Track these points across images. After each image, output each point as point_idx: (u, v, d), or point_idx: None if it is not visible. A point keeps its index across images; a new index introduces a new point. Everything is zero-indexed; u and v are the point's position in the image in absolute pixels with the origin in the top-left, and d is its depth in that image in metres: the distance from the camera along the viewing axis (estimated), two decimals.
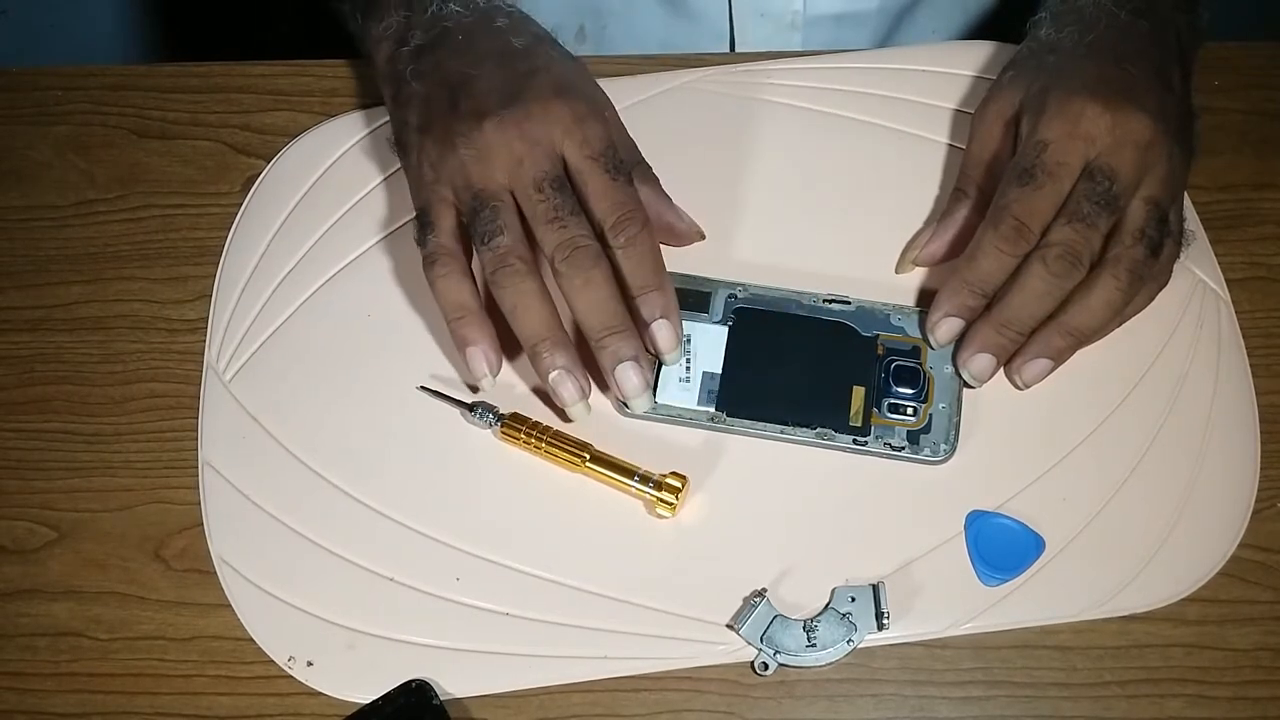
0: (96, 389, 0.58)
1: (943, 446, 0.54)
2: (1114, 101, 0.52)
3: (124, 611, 0.53)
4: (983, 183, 0.57)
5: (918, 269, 0.59)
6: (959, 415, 0.54)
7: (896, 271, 0.59)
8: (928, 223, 0.60)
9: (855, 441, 0.54)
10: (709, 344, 0.56)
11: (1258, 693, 0.51)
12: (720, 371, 0.56)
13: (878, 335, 0.56)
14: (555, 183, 0.51)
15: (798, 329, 0.56)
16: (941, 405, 0.55)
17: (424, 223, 0.54)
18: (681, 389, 0.55)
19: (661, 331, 0.53)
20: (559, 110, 0.51)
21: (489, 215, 0.51)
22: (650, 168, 0.58)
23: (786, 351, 0.56)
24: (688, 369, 0.56)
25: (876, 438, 0.54)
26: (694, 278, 0.58)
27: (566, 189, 0.51)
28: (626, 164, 0.53)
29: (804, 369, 0.56)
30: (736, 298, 0.57)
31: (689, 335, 0.56)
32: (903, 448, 0.54)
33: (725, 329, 0.57)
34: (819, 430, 0.54)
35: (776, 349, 0.56)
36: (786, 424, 0.54)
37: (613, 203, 0.51)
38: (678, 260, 0.59)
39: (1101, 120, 0.52)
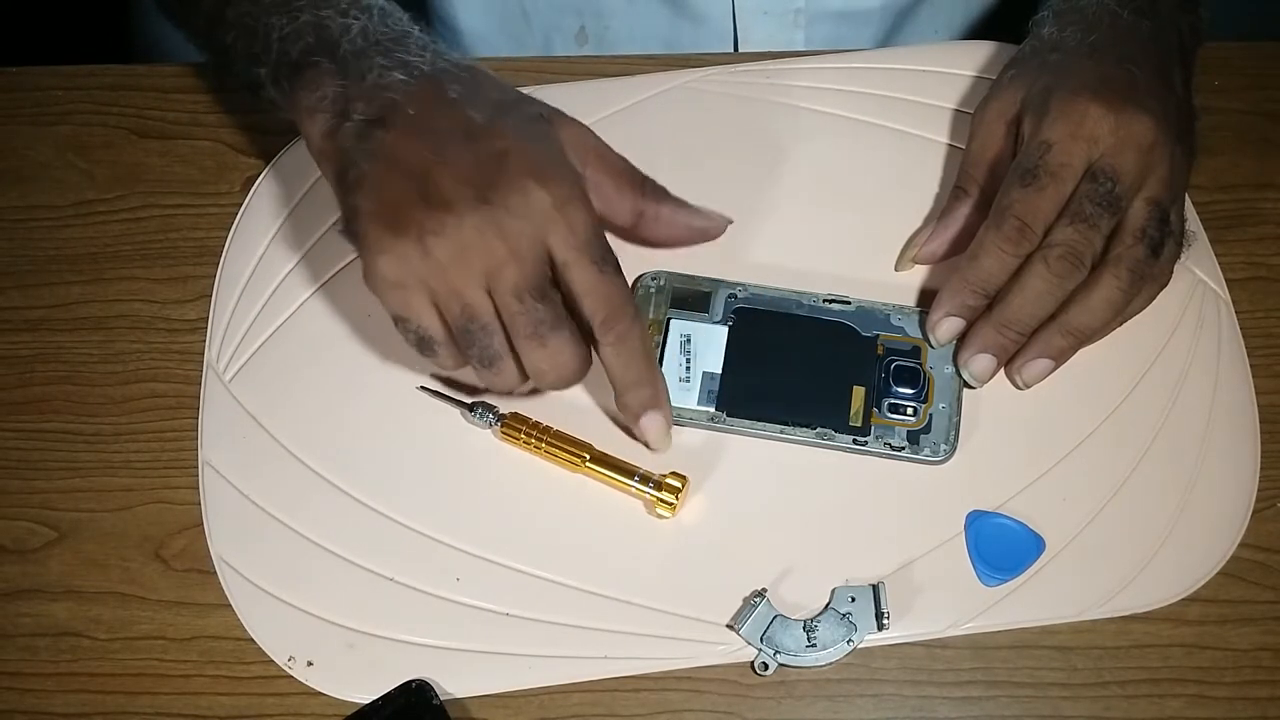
0: (96, 389, 0.58)
1: (943, 446, 0.54)
2: (1117, 102, 0.52)
3: (124, 611, 0.53)
4: (984, 182, 0.57)
5: (917, 267, 0.59)
6: (959, 415, 0.54)
7: (896, 269, 0.59)
8: (927, 221, 0.60)
9: (855, 441, 0.54)
10: (709, 344, 0.56)
11: (1258, 693, 0.51)
12: (720, 371, 0.56)
13: (878, 335, 0.56)
14: (536, 292, 0.48)
15: (798, 329, 0.56)
16: (941, 405, 0.54)
17: (420, 335, 0.49)
18: (681, 389, 0.55)
19: (651, 423, 0.52)
20: (539, 200, 0.47)
21: (483, 338, 0.48)
22: (653, 181, 0.56)
23: (786, 351, 0.56)
24: (688, 369, 0.56)
25: (876, 438, 0.54)
26: (694, 278, 0.58)
27: (549, 296, 0.48)
28: (610, 255, 0.49)
29: (804, 369, 0.56)
30: (736, 297, 0.57)
31: (689, 335, 0.56)
32: (903, 448, 0.54)
33: (725, 329, 0.57)
34: (819, 430, 0.54)
35: (776, 349, 0.56)
36: (786, 424, 0.54)
37: (600, 298, 0.49)
38: (677, 259, 0.59)
39: (1105, 121, 0.52)
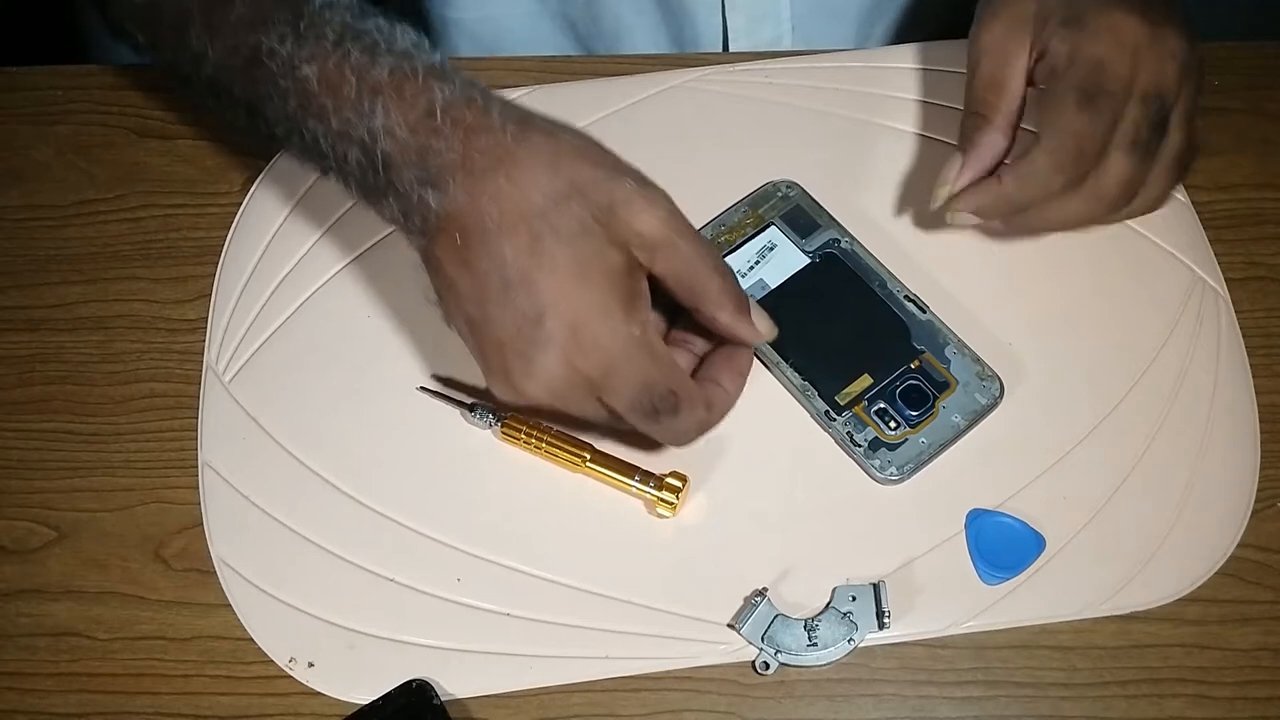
0: (96, 389, 0.58)
1: (894, 470, 0.53)
2: (1150, 13, 0.52)
3: (124, 611, 0.53)
4: (1003, 105, 0.54)
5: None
6: (931, 459, 0.54)
7: (931, 208, 0.55)
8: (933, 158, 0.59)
9: (826, 414, 0.54)
10: (784, 263, 0.58)
11: (1258, 693, 0.51)
12: (773, 288, 0.57)
13: (924, 352, 0.56)
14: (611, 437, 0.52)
15: (862, 301, 0.57)
16: (924, 440, 0.54)
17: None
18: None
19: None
20: (582, 372, 0.46)
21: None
22: (721, 297, 0.48)
23: (838, 311, 0.57)
24: (750, 269, 0.57)
25: (844, 424, 0.54)
26: (820, 208, 0.59)
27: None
28: (661, 402, 0.47)
29: (838, 333, 0.56)
30: (838, 243, 0.58)
31: (775, 245, 0.58)
32: (860, 448, 0.54)
33: (806, 261, 0.58)
34: (805, 384, 0.55)
35: (832, 303, 0.57)
36: (786, 360, 0.55)
37: (665, 440, 0.50)
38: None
39: (1143, 33, 0.51)
